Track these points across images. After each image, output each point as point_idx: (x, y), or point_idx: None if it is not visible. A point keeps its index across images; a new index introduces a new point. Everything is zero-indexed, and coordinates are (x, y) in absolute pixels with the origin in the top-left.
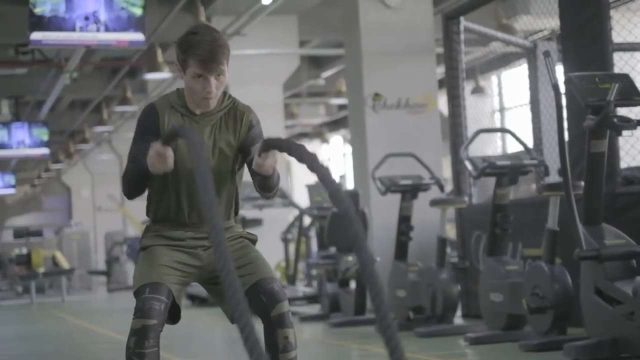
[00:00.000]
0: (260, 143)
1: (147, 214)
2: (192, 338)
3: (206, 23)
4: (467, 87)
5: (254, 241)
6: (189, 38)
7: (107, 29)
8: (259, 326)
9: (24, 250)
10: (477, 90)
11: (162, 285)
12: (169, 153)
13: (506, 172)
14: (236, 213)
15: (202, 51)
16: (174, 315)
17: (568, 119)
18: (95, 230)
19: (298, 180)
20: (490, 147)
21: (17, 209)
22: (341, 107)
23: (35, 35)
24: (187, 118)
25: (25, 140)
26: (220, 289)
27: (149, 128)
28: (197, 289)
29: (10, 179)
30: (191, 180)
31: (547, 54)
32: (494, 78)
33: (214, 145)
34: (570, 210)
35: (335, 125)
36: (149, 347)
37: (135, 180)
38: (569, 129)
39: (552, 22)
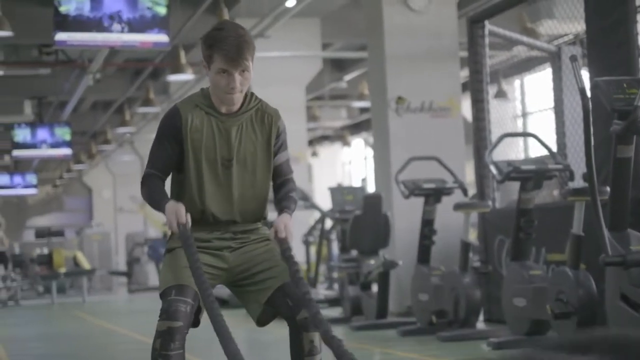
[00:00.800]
0: (277, 228)
1: None
2: (213, 340)
3: (230, 21)
4: (490, 91)
5: None
6: (215, 34)
7: (131, 29)
8: (285, 329)
9: (45, 250)
10: (500, 95)
11: (187, 287)
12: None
13: (531, 176)
14: (265, 217)
15: (227, 46)
16: (194, 318)
17: (593, 123)
18: (116, 231)
19: (319, 183)
20: (513, 151)
21: (39, 209)
22: (363, 110)
23: (60, 36)
24: (212, 117)
25: (47, 141)
26: (246, 291)
27: (170, 131)
28: (218, 290)
29: (32, 178)
30: (216, 174)
31: (574, 58)
32: (516, 82)
33: (239, 143)
34: (596, 216)
35: (356, 128)
36: (174, 349)
37: (154, 206)
38: (594, 134)
39: (577, 27)
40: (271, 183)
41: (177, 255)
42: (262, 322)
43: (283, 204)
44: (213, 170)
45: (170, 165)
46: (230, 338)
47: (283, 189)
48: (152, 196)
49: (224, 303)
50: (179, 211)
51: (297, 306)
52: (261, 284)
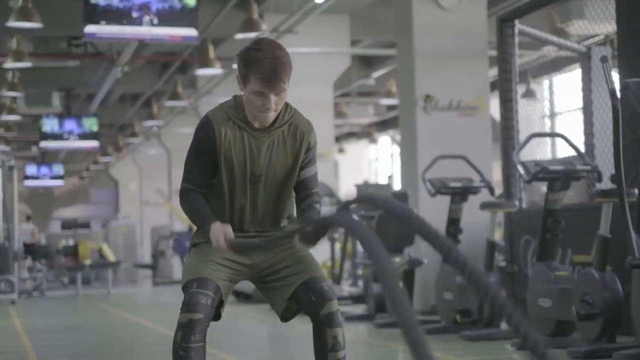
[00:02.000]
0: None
1: None
2: (237, 334)
3: (269, 38)
4: (519, 90)
5: None
6: (252, 54)
7: (160, 21)
8: (308, 325)
9: (71, 242)
10: (528, 94)
11: (209, 280)
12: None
13: (559, 177)
14: (289, 217)
15: (264, 69)
16: (215, 312)
17: (623, 125)
18: (142, 224)
19: (346, 180)
20: (540, 151)
21: (65, 200)
22: (390, 108)
23: (90, 28)
24: (245, 132)
25: (75, 132)
26: (270, 287)
27: (205, 145)
28: (242, 285)
29: (59, 169)
30: (245, 189)
31: (604, 59)
32: (545, 82)
33: (269, 160)
34: (623, 218)
35: (383, 125)
36: (195, 342)
37: (195, 223)
38: (623, 136)
39: (608, 27)
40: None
41: (201, 250)
42: (286, 318)
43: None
44: (242, 184)
45: (207, 179)
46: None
47: (307, 201)
48: (197, 214)
49: (247, 298)
50: (227, 231)
51: (321, 302)
52: (285, 280)
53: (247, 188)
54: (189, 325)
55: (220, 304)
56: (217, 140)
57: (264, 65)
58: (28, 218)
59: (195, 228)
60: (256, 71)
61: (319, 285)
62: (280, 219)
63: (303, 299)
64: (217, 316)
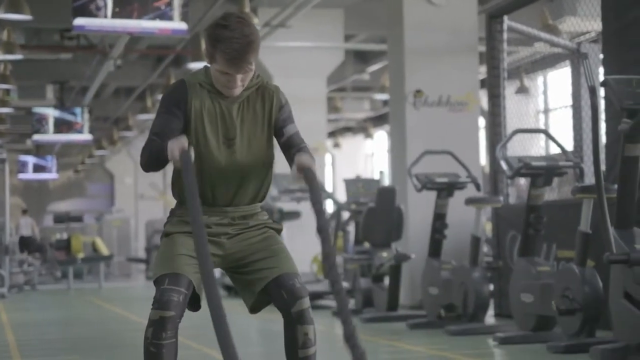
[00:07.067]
0: (300, 162)
1: (173, 196)
2: (207, 326)
3: (237, 13)
4: (512, 86)
5: (278, 231)
6: (219, 33)
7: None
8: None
9: (65, 235)
10: (522, 90)
11: (181, 276)
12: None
13: (541, 173)
14: (262, 199)
15: (230, 50)
16: (194, 302)
17: (606, 122)
18: (136, 218)
19: (341, 174)
20: (534, 148)
21: (60, 194)
22: (386, 103)
23: (79, 21)
24: (213, 95)
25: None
26: (241, 278)
27: (176, 102)
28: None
29: (54, 162)
30: (216, 158)
31: (584, 56)
32: (540, 78)
33: (241, 124)
34: (601, 213)
35: (379, 120)
36: (166, 339)
37: (154, 158)
38: (607, 133)
39: (600, 25)
40: (273, 163)
41: (173, 241)
42: (254, 309)
43: (298, 147)
44: (215, 149)
45: (173, 133)
46: (228, 334)
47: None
48: (152, 150)
49: (237, 292)
50: (180, 140)
51: (292, 299)
52: (257, 273)
53: (222, 151)
54: (161, 323)
55: (197, 296)
56: (189, 100)
57: (230, 45)
58: (24, 212)
59: (168, 215)
60: (222, 51)
61: (290, 282)
62: (257, 195)
63: (274, 295)
64: (197, 307)
